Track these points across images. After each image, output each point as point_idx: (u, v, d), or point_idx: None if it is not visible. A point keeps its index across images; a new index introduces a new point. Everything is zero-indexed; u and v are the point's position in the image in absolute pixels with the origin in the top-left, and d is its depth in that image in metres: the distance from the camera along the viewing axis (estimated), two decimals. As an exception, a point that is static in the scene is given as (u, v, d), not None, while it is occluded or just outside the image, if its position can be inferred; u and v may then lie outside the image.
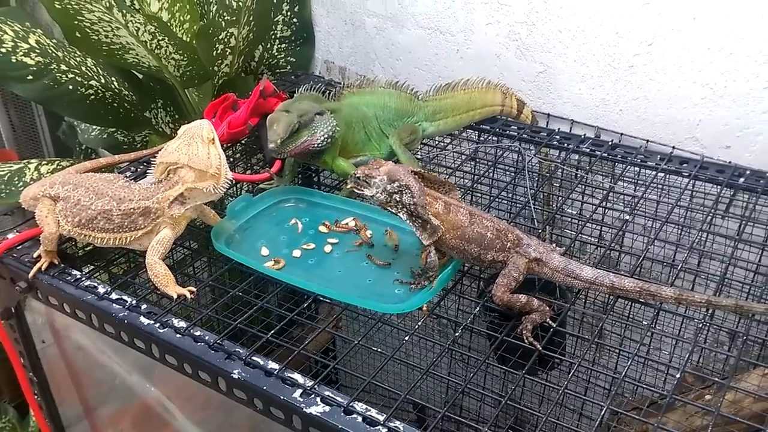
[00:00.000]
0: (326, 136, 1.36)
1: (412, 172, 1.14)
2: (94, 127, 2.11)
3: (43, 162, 1.85)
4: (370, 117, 1.49)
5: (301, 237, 1.32)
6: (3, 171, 1.80)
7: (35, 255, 1.23)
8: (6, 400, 2.34)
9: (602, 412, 0.95)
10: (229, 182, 1.20)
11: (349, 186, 1.16)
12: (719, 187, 1.39)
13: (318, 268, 1.25)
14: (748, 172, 1.42)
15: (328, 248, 1.28)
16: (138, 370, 1.25)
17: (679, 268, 1.21)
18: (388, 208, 1.14)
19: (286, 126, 1.31)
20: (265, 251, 1.27)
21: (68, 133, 2.32)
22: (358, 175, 1.14)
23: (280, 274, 1.20)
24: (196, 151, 1.16)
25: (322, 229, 1.33)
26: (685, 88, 1.51)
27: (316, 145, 1.35)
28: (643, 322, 1.11)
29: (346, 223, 1.34)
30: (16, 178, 1.79)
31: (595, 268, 1.14)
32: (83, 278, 1.19)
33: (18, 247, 1.27)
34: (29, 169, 1.82)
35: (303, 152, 1.35)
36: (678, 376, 1.00)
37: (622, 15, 1.53)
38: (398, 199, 1.12)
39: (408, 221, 1.14)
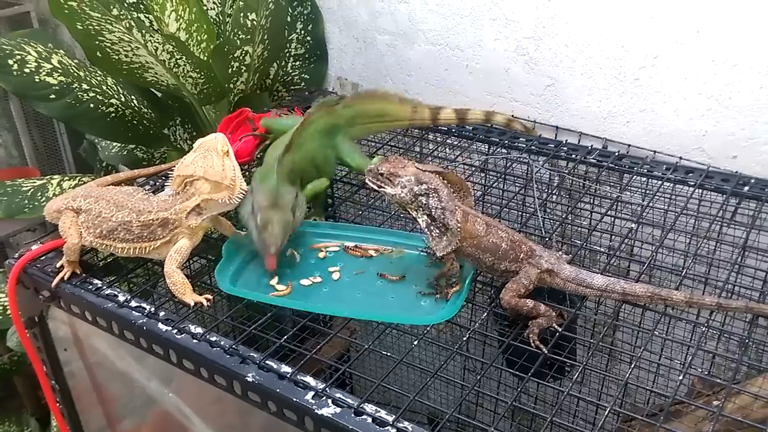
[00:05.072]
0: (302, 213, 1.32)
1: (436, 173, 1.12)
2: (115, 144, 2.16)
3: (66, 177, 1.90)
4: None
5: (304, 266, 1.30)
6: (26, 187, 1.86)
7: (58, 265, 1.27)
8: (27, 413, 2.39)
9: (606, 412, 0.97)
10: (244, 193, 1.23)
11: (366, 181, 1.11)
12: (724, 195, 1.41)
13: (336, 293, 1.23)
14: (753, 180, 1.44)
15: (336, 275, 1.27)
16: (157, 377, 1.28)
17: (682, 275, 1.23)
18: (408, 209, 1.12)
19: (284, 229, 1.23)
20: (274, 282, 1.25)
21: (89, 151, 2.38)
22: (381, 171, 1.10)
23: (306, 305, 1.18)
24: (211, 163, 1.20)
25: (320, 255, 1.33)
26: (691, 99, 1.53)
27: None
28: (655, 333, 1.12)
29: (356, 247, 1.34)
30: (39, 194, 1.85)
31: (605, 276, 1.15)
32: (104, 287, 1.23)
33: (41, 258, 1.31)
34: (52, 184, 1.88)
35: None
36: (680, 378, 1.02)
37: (627, 29, 1.56)
38: (423, 201, 1.10)
39: (425, 227, 1.12)
